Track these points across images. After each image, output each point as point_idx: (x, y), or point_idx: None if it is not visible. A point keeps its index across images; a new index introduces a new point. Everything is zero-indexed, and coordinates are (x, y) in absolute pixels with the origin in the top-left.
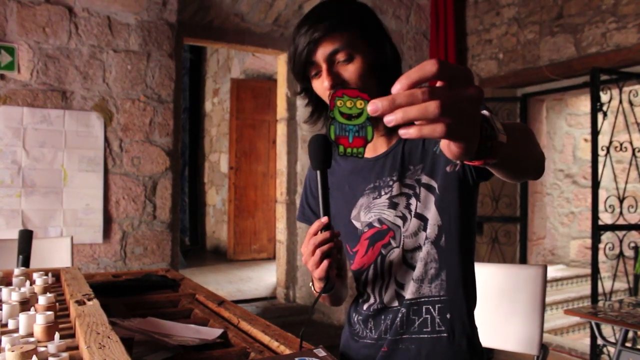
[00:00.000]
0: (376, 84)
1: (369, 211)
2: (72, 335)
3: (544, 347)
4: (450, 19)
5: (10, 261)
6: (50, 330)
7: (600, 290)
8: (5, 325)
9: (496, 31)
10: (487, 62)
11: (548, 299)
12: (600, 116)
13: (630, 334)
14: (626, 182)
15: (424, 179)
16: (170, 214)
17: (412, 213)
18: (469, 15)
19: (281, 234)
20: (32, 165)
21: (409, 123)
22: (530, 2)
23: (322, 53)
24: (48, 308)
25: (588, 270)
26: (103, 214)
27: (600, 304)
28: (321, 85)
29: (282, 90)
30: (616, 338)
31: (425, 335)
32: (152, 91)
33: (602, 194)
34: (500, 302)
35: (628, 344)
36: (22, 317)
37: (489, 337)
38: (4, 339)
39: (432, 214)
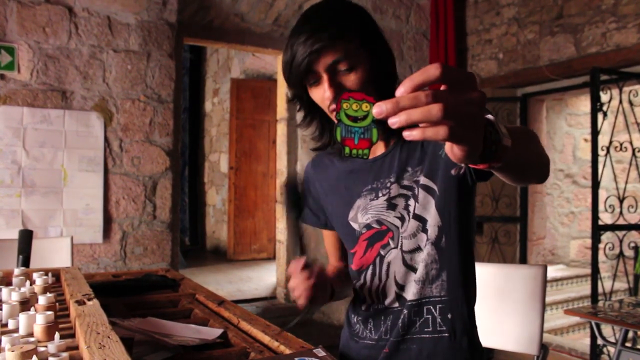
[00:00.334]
0: (376, 91)
1: (366, 212)
2: (72, 335)
3: (544, 347)
4: (450, 19)
5: (10, 261)
6: (50, 330)
7: (600, 290)
8: (5, 325)
9: (496, 31)
10: (487, 62)
11: (548, 299)
12: (600, 116)
13: (630, 334)
14: (626, 182)
15: (423, 180)
16: (170, 214)
17: (411, 214)
18: (469, 15)
19: (281, 234)
20: (32, 165)
21: (413, 125)
22: (530, 2)
23: (323, 63)
24: (48, 308)
25: (588, 270)
26: (103, 214)
27: (600, 304)
28: (320, 95)
29: (282, 90)
30: (616, 338)
31: (427, 335)
32: (152, 91)
33: (602, 194)
34: (501, 302)
35: (628, 344)
36: (22, 317)
37: (489, 337)
38: (4, 339)
39: (431, 215)
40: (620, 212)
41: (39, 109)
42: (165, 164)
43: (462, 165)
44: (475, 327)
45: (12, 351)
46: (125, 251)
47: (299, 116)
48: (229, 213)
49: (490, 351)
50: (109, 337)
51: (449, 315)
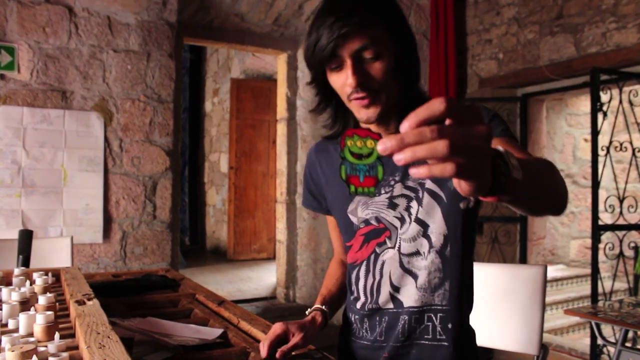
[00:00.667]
0: (398, 83)
1: (367, 208)
2: (72, 335)
3: (544, 347)
4: (450, 19)
5: (10, 261)
6: (50, 330)
7: (600, 290)
8: (5, 325)
9: (496, 31)
10: (487, 62)
11: (548, 299)
12: (600, 116)
13: (630, 334)
14: (626, 182)
15: (429, 184)
16: (170, 214)
17: (412, 217)
18: (469, 15)
19: (281, 234)
20: (32, 165)
21: (419, 162)
22: (530, 2)
23: (349, 48)
24: (48, 308)
25: (588, 270)
26: (103, 214)
27: (600, 304)
28: (342, 80)
29: (282, 90)
30: (616, 338)
31: (426, 342)
32: (152, 91)
33: (602, 194)
34: (500, 302)
35: (628, 344)
36: (22, 317)
37: (489, 337)
38: (4, 339)
39: (436, 222)
40: (620, 212)
41: (39, 109)
42: (165, 164)
43: (471, 198)
44: (473, 331)
45: (12, 351)
46: (125, 251)
47: (304, 114)
48: (229, 213)
49: (490, 351)
50: (109, 337)
51: (449, 325)
